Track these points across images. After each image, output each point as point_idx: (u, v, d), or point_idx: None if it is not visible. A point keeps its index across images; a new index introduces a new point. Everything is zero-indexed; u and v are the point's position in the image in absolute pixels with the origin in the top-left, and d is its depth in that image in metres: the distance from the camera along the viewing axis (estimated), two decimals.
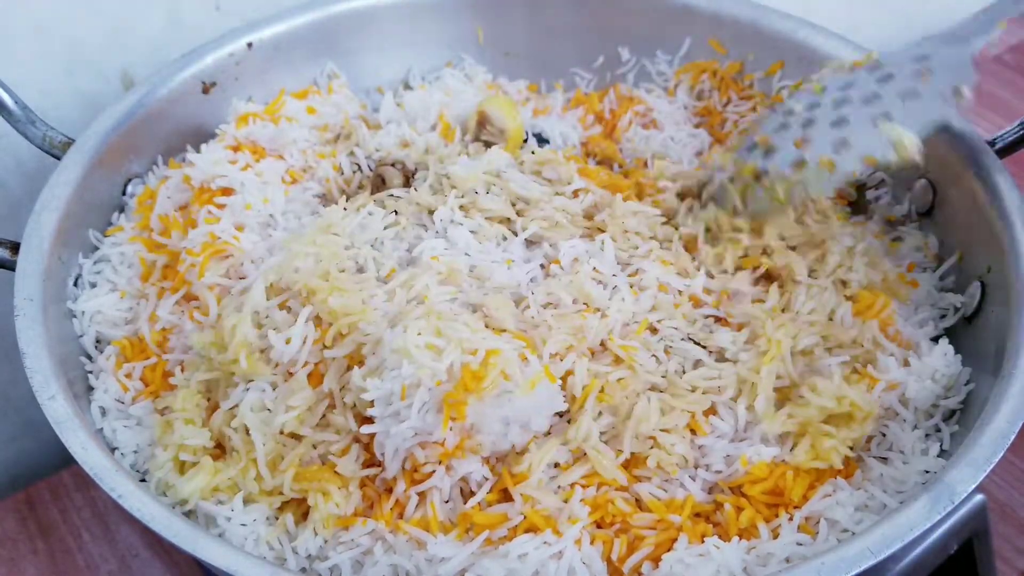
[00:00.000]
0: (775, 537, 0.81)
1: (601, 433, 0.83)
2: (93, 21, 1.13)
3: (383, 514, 0.81)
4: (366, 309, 0.85)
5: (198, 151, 1.07)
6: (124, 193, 1.08)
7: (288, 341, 0.85)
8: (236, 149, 1.07)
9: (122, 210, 1.07)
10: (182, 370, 0.92)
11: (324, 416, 0.85)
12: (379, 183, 1.02)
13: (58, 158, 1.02)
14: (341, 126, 1.13)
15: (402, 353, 0.79)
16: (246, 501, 0.83)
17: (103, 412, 0.91)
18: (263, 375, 0.86)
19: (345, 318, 0.85)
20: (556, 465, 0.83)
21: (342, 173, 1.07)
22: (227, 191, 1.01)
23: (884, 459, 0.87)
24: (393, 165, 1.03)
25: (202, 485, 0.83)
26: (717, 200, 1.00)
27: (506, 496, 0.82)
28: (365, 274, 0.91)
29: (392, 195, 1.00)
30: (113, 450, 0.88)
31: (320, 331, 0.86)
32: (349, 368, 0.85)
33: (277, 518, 0.84)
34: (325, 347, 0.85)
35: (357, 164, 1.08)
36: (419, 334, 0.80)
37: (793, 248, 0.97)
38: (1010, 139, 1.02)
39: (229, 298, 0.93)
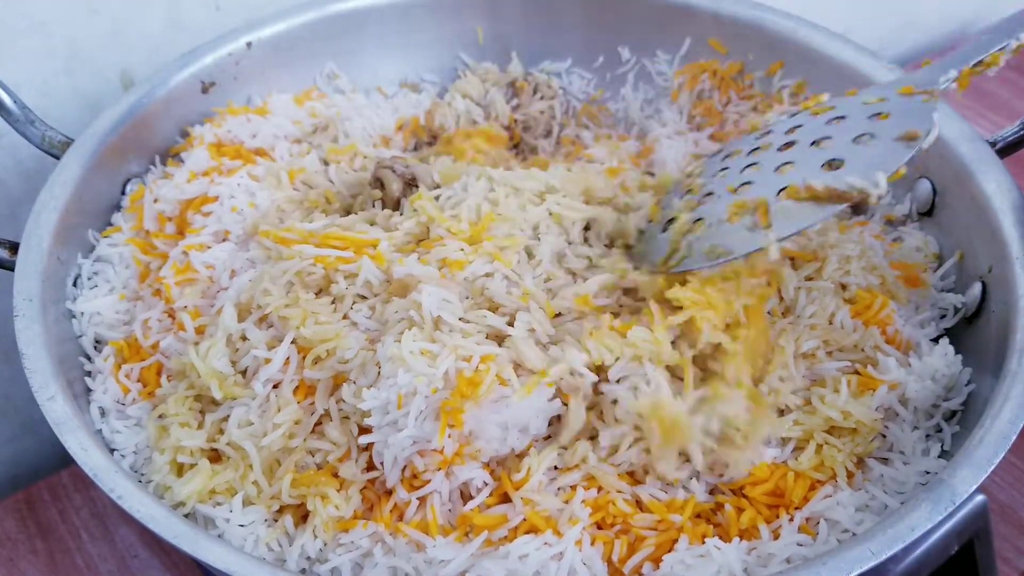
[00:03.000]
0: (776, 538, 0.81)
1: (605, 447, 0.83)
2: (93, 21, 1.12)
3: (383, 516, 0.81)
4: (339, 334, 0.85)
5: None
6: (123, 193, 1.07)
7: (267, 361, 0.85)
8: (219, 149, 1.07)
9: (120, 209, 1.07)
10: (168, 379, 0.92)
11: (320, 423, 0.85)
12: (378, 186, 1.01)
13: (57, 158, 1.02)
14: (319, 121, 1.13)
15: (397, 361, 0.79)
16: (244, 502, 0.83)
17: (102, 413, 0.91)
18: (241, 397, 0.86)
19: (321, 345, 0.85)
20: (556, 468, 0.83)
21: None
22: (210, 199, 1.02)
23: (884, 460, 0.87)
24: (392, 169, 1.00)
25: (199, 487, 0.82)
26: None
27: (507, 499, 0.82)
28: (336, 290, 0.90)
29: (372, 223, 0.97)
30: (112, 451, 0.88)
31: (301, 353, 0.86)
32: (336, 385, 0.85)
33: (276, 520, 0.83)
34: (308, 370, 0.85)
35: (324, 161, 1.07)
36: (414, 340, 0.80)
37: (792, 259, 0.96)
38: (1011, 139, 1.02)
39: (208, 317, 0.93)
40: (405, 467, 0.81)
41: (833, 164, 0.84)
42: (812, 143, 0.87)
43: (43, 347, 0.86)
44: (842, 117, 0.88)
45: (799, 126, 0.90)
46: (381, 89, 1.27)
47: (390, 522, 0.81)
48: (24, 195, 1.14)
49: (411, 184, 1.00)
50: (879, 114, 0.86)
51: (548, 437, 0.84)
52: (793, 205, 0.82)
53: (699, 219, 0.88)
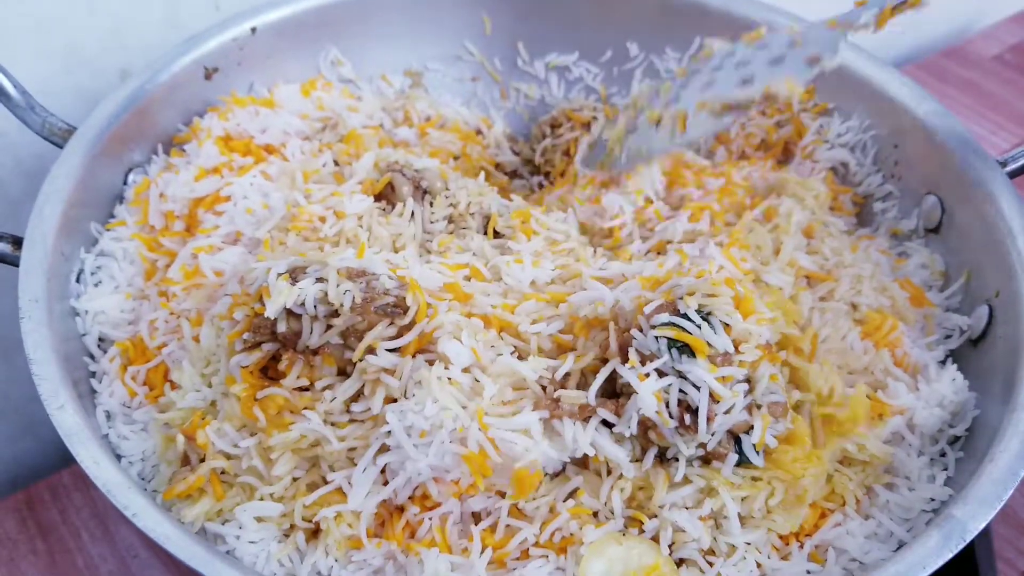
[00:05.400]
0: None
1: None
2: (93, 20, 1.10)
3: (395, 534, 0.81)
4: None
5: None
6: (125, 183, 1.05)
7: None
8: (227, 143, 1.05)
9: (123, 200, 1.05)
10: (172, 388, 0.90)
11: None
12: (388, 191, 0.99)
13: (58, 146, 0.99)
14: (328, 116, 1.12)
15: (425, 386, 0.78)
16: (256, 520, 0.82)
17: (108, 416, 0.90)
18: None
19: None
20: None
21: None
22: (221, 199, 1.00)
23: (890, 485, 0.87)
24: (402, 173, 0.99)
25: (207, 509, 0.82)
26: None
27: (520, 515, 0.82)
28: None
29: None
30: (119, 458, 0.87)
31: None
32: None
33: (287, 536, 0.83)
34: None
35: (335, 161, 1.06)
36: (446, 367, 0.80)
37: (808, 278, 0.97)
38: (1021, 161, 1.02)
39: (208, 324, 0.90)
40: (417, 486, 0.81)
41: (746, 82, 0.97)
42: (736, 66, 1.00)
43: (51, 351, 0.85)
44: (766, 46, 1.01)
45: (732, 55, 1.03)
46: (385, 77, 1.25)
47: (402, 540, 0.81)
48: (24, 194, 1.12)
49: (419, 189, 0.99)
50: (795, 43, 0.98)
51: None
52: (706, 116, 0.98)
53: (632, 131, 1.04)
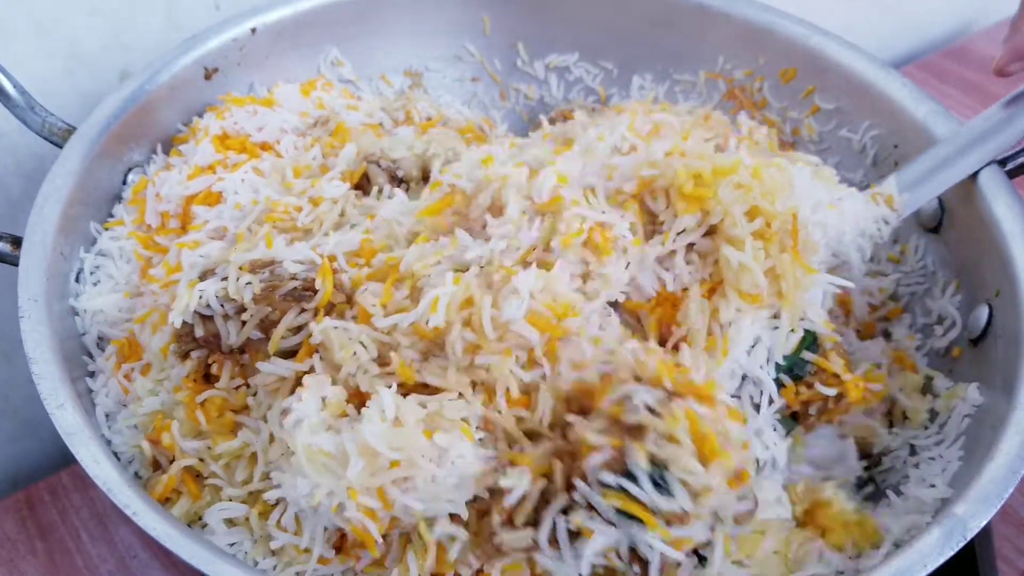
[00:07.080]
0: None
1: None
2: (93, 21, 1.10)
3: (350, 553, 0.79)
4: None
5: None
6: (125, 182, 1.05)
7: None
8: (224, 141, 1.05)
9: (122, 200, 1.05)
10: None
11: None
12: (363, 181, 0.98)
13: (58, 145, 1.00)
14: (322, 114, 1.12)
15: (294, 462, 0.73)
16: (228, 524, 0.82)
17: (107, 416, 0.90)
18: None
19: None
20: None
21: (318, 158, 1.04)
22: (214, 196, 0.99)
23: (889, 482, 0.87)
24: (378, 164, 0.98)
25: (186, 510, 0.82)
26: None
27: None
28: None
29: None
30: (117, 456, 0.87)
31: None
32: None
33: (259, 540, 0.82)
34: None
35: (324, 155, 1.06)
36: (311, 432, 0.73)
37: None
38: (1021, 159, 1.02)
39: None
40: None
41: None
42: None
43: (50, 350, 0.85)
44: None
45: None
46: (385, 77, 1.25)
47: (358, 558, 0.79)
48: (24, 194, 1.12)
49: (395, 178, 0.99)
50: None
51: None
52: None
53: None
